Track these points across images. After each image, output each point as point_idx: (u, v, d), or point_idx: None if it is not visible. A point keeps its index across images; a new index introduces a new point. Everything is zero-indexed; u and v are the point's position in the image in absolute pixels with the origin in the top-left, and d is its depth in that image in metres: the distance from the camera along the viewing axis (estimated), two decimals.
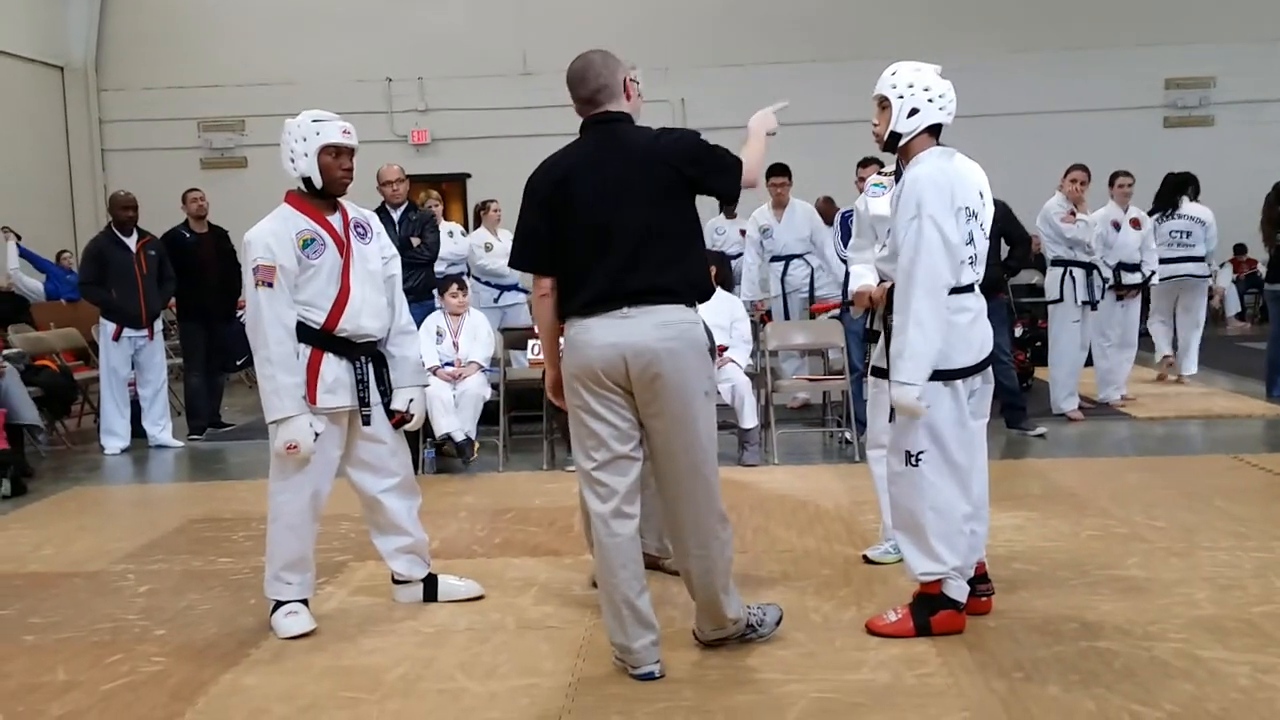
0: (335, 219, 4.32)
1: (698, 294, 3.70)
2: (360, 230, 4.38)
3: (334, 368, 4.25)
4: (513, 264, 3.93)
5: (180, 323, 9.54)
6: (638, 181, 3.60)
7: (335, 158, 4.24)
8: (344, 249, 4.28)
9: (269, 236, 4.19)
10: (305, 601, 4.38)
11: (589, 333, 3.60)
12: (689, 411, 3.61)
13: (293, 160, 4.27)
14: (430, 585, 4.61)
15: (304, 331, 4.22)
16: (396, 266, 4.52)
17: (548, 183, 3.70)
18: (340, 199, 4.37)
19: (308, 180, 4.26)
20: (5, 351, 8.48)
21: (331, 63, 15.77)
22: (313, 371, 4.22)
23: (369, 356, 4.35)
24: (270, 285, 4.13)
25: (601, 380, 3.60)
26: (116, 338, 8.64)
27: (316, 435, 4.19)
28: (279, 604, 4.34)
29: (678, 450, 3.64)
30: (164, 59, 16.21)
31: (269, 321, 4.13)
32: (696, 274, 3.69)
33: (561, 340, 3.80)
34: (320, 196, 4.30)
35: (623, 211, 3.58)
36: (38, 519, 6.53)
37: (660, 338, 3.55)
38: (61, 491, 7.31)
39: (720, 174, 3.68)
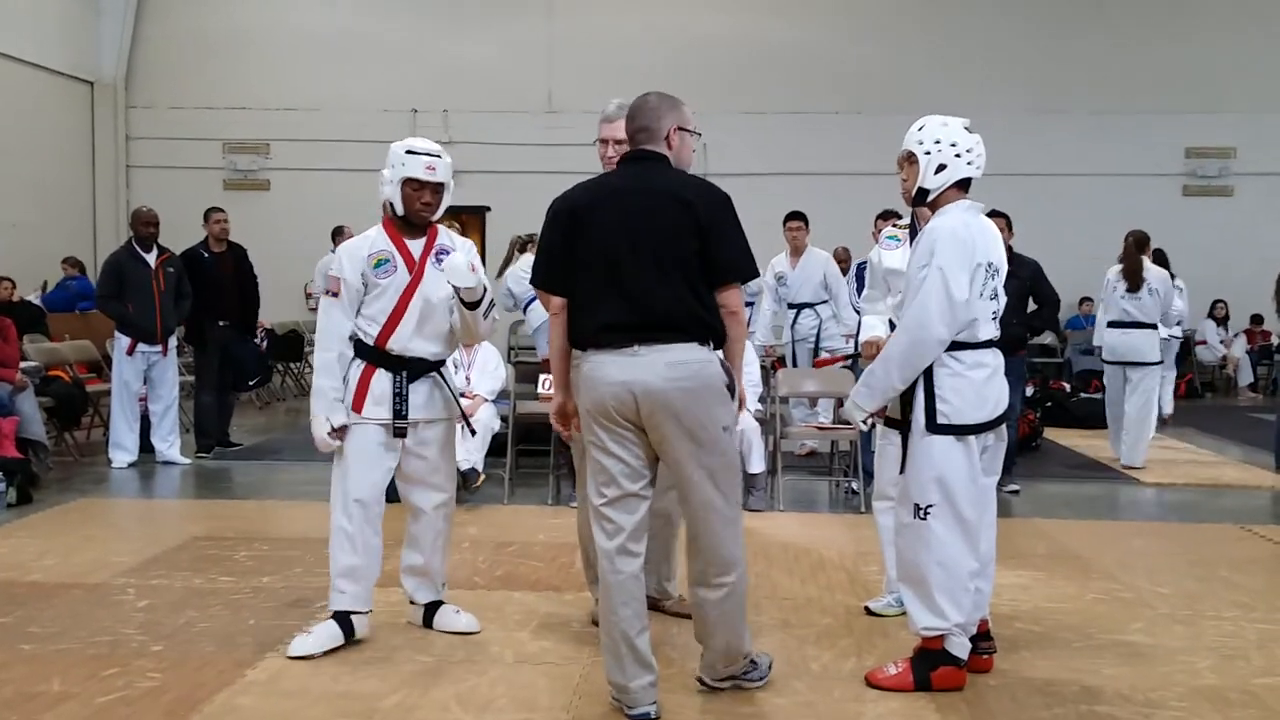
0: (417, 243, 4.46)
1: (711, 334, 3.68)
2: (441, 257, 4.43)
3: (383, 382, 4.39)
4: (533, 282, 4.03)
5: (194, 340, 9.58)
6: (655, 216, 3.64)
7: (416, 190, 4.39)
8: (415, 272, 4.40)
9: (346, 252, 4.47)
10: (349, 616, 4.40)
11: (601, 369, 3.63)
12: (703, 449, 3.62)
13: (382, 184, 4.45)
14: (430, 612, 4.62)
15: (361, 346, 4.41)
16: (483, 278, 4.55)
17: (570, 207, 3.77)
18: (436, 226, 4.51)
19: (392, 205, 4.44)
20: (24, 365, 8.54)
21: (358, 91, 15.90)
22: (363, 383, 4.39)
23: (413, 373, 4.41)
24: (335, 295, 4.39)
25: (614, 417, 3.62)
26: (131, 352, 8.68)
27: (333, 429, 4.33)
28: (334, 614, 4.41)
29: (692, 485, 3.65)
30: (193, 79, 16.36)
31: (324, 328, 4.42)
32: (709, 314, 3.68)
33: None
34: (405, 222, 4.45)
35: (636, 244, 3.62)
36: (42, 528, 6.53)
37: (670, 377, 3.56)
38: (67, 502, 7.31)
39: (731, 242, 3.67)
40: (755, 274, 3.80)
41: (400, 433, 4.40)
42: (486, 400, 7.53)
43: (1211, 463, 9.66)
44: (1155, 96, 15.80)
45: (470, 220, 15.73)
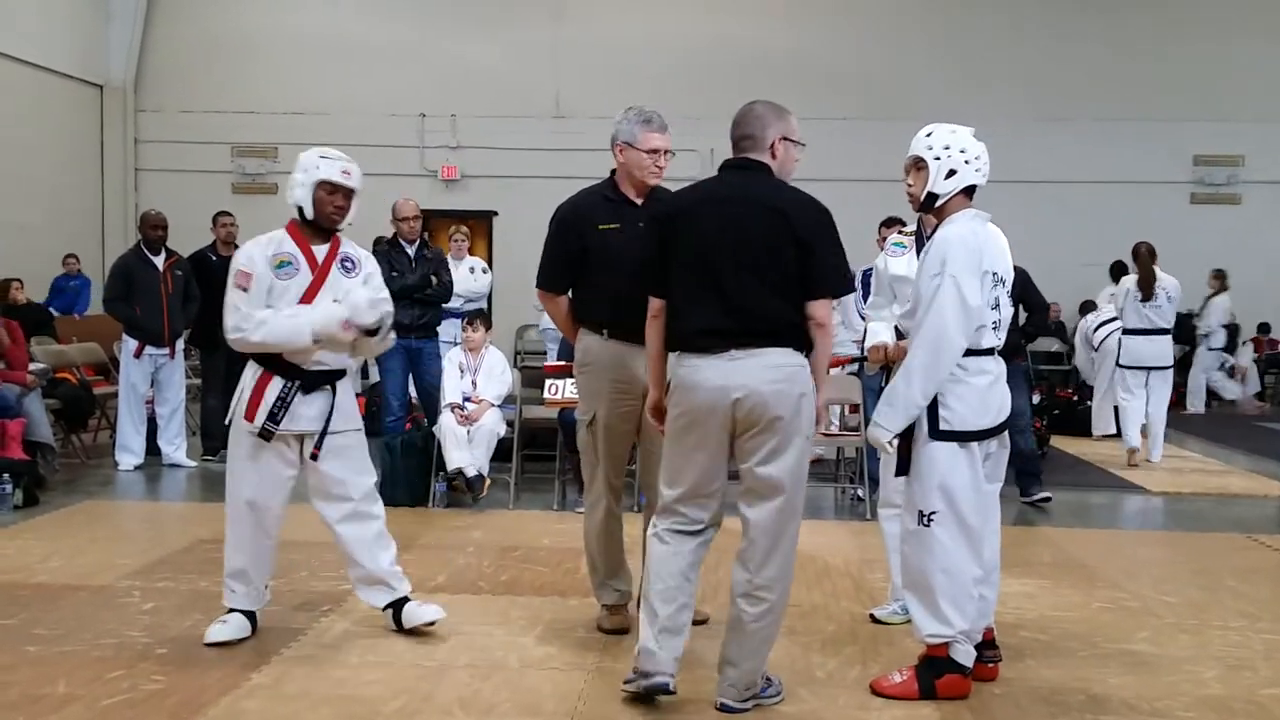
0: (321, 249, 4.47)
1: (804, 341, 3.74)
2: (347, 265, 4.51)
3: (276, 389, 4.39)
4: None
5: (201, 344, 9.59)
6: (750, 225, 3.70)
7: (329, 194, 4.43)
8: (317, 275, 4.42)
9: (254, 248, 4.45)
10: (253, 614, 4.52)
11: (698, 373, 3.69)
12: (789, 454, 3.70)
13: (291, 188, 4.46)
14: (397, 612, 4.61)
15: (260, 353, 4.41)
16: (383, 308, 4.50)
17: (671, 211, 3.88)
18: (340, 235, 4.52)
19: (301, 209, 4.44)
20: (33, 367, 8.58)
21: (367, 95, 15.93)
22: (258, 392, 4.39)
23: (309, 383, 4.41)
24: (244, 290, 4.35)
25: (704, 421, 3.68)
26: (138, 355, 8.69)
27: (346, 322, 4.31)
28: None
29: (765, 489, 3.71)
30: (202, 83, 16.38)
31: (242, 315, 4.32)
32: (804, 322, 3.73)
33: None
34: (312, 227, 4.47)
35: (733, 252, 3.69)
36: (48, 530, 6.54)
37: (768, 380, 3.64)
38: (73, 505, 7.32)
39: (825, 255, 3.73)
40: (850, 289, 3.87)
41: (265, 435, 4.38)
42: (493, 405, 7.53)
43: (1218, 472, 9.64)
44: (1163, 103, 15.75)
45: (477, 225, 15.74)
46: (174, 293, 8.78)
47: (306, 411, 4.41)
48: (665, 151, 4.50)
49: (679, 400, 3.75)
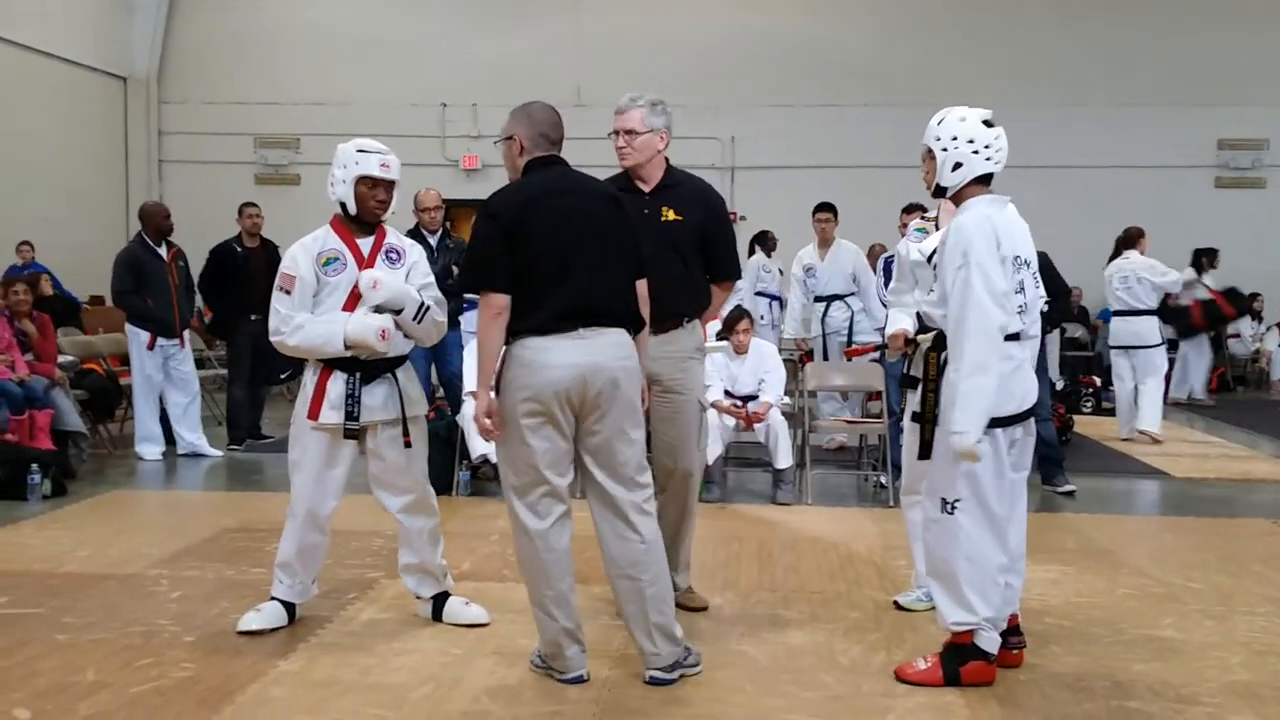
0: (366, 242, 4.48)
1: (637, 322, 3.96)
2: (392, 255, 4.51)
3: (339, 385, 4.40)
4: (470, 285, 4.08)
5: (225, 334, 9.65)
6: (596, 214, 3.92)
7: (370, 189, 4.43)
8: (365, 269, 4.42)
9: (298, 250, 4.48)
10: (292, 605, 4.57)
11: (546, 353, 3.76)
12: (634, 429, 3.89)
13: (332, 185, 4.47)
14: (439, 605, 4.65)
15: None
16: (429, 295, 4.53)
17: (513, 206, 3.88)
18: (384, 225, 4.55)
19: (344, 205, 4.46)
20: (62, 359, 8.65)
21: (388, 86, 15.97)
22: (319, 389, 4.41)
23: (368, 373, 4.41)
24: (287, 292, 4.39)
25: (551, 401, 3.75)
26: (151, 346, 8.75)
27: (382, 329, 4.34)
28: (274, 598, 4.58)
29: (626, 463, 3.88)
30: (225, 74, 16.47)
31: (283, 317, 4.38)
32: (636, 303, 3.99)
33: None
34: (356, 222, 4.48)
35: (582, 239, 3.85)
36: (75, 520, 6.60)
37: (616, 357, 3.82)
38: (100, 494, 7.39)
39: (643, 240, 4.09)
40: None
41: (351, 434, 4.41)
42: None
43: (1243, 457, 9.59)
44: (1187, 88, 15.63)
45: None
46: (180, 284, 8.86)
47: (370, 402, 4.42)
48: (626, 131, 4.57)
49: (525, 383, 3.75)
